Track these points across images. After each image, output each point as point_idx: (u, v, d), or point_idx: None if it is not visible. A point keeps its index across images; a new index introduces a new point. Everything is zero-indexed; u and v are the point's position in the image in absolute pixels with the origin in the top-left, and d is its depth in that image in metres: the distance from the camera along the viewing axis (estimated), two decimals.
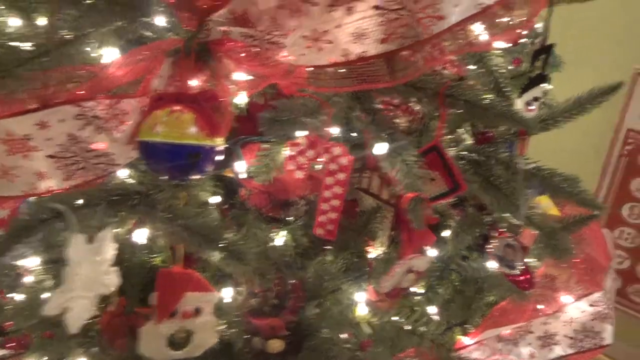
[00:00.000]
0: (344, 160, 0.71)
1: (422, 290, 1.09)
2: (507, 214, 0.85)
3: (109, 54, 0.73)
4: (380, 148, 0.69)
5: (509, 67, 1.07)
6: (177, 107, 0.66)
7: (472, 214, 1.11)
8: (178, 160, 0.66)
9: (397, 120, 1.04)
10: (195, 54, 0.69)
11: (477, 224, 1.07)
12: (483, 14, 0.62)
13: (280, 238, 0.97)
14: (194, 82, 0.71)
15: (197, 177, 0.75)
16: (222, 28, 0.66)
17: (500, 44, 0.85)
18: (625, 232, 1.93)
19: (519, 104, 0.98)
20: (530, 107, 1.02)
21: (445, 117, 0.75)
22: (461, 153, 0.90)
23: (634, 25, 1.73)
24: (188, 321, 0.82)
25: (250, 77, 0.71)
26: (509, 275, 0.87)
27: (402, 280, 0.72)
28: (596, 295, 1.04)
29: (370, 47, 0.60)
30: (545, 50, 0.96)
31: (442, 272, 1.14)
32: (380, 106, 1.01)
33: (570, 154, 2.05)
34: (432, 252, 1.16)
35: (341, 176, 0.72)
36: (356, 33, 0.59)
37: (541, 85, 1.02)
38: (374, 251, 1.16)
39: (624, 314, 2.04)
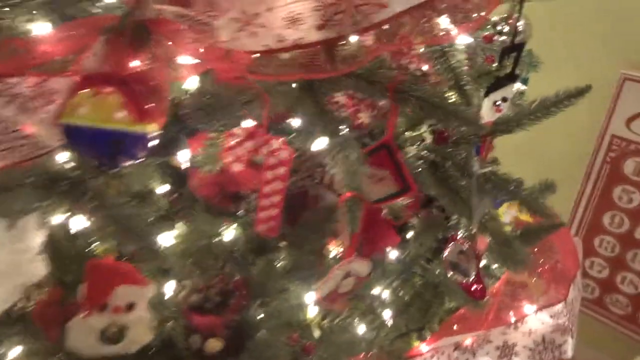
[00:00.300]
0: (284, 154, 0.67)
1: (378, 292, 1.05)
2: (463, 219, 0.81)
3: (40, 28, 0.68)
4: (319, 143, 0.65)
5: (481, 65, 1.02)
6: (105, 89, 0.62)
7: (435, 216, 1.07)
8: (101, 145, 0.62)
9: (361, 115, 1.00)
10: (132, 33, 0.64)
11: (438, 226, 1.03)
12: (431, 4, 0.57)
13: (229, 232, 0.93)
14: (131, 63, 0.67)
15: (128, 164, 0.70)
16: (157, 6, 0.62)
17: (463, 40, 0.81)
18: (605, 240, 1.90)
19: (485, 103, 0.94)
20: (498, 108, 0.98)
21: (398, 113, 0.71)
22: (421, 153, 0.86)
23: (622, 30, 1.68)
24: (120, 316, 0.78)
25: (195, 61, 0.67)
26: (461, 283, 0.83)
27: (339, 284, 0.69)
28: (558, 307, 1.01)
29: (307, 34, 0.56)
30: (515, 49, 0.92)
31: (404, 275, 1.10)
32: (339, 100, 0.98)
33: (555, 159, 2.01)
34: (393, 254, 1.13)
35: (281, 170, 0.68)
36: (290, 17, 0.54)
37: (511, 85, 0.98)
38: (335, 249, 1.12)
39: (602, 324, 2.01)
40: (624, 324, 1.93)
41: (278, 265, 0.93)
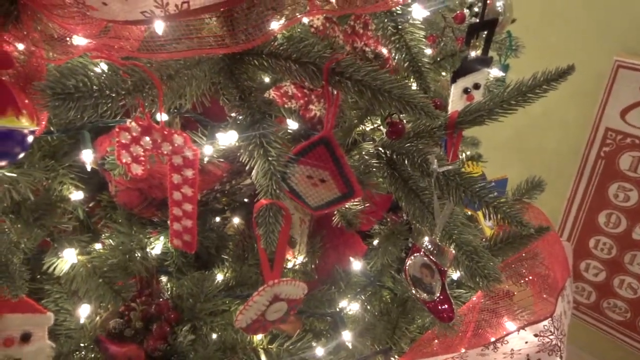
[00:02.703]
0: (189, 153, 0.54)
1: (336, 310, 0.92)
2: (425, 226, 0.69)
3: None
4: (228, 137, 0.52)
5: (451, 47, 0.89)
6: None
7: (400, 222, 0.94)
8: None
9: (312, 107, 0.87)
10: None
11: (402, 234, 0.90)
12: None
13: (157, 244, 0.80)
14: None
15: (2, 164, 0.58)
16: None
17: (419, 13, 0.68)
18: (601, 241, 1.77)
19: (453, 90, 0.82)
20: (470, 95, 0.85)
21: (338, 101, 0.58)
22: (376, 149, 0.73)
23: (615, 13, 1.55)
24: (13, 349, 0.65)
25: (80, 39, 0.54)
26: (426, 302, 0.71)
27: (266, 311, 0.56)
28: (543, 324, 0.88)
29: None
30: (485, 27, 0.79)
31: (370, 287, 0.97)
32: (287, 89, 0.85)
33: (546, 154, 1.88)
34: (357, 265, 1.00)
35: (189, 173, 0.55)
36: None
37: (485, 70, 0.85)
38: (291, 260, 1.00)
39: (599, 330, 1.88)
40: (622, 330, 1.80)
41: (215, 281, 0.80)
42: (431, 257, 0.68)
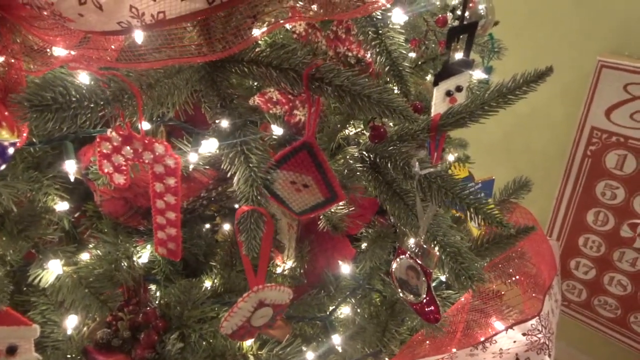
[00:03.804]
0: (170, 162, 0.54)
1: (326, 314, 0.92)
2: (409, 229, 0.69)
3: None
4: (210, 144, 0.52)
5: (433, 50, 0.90)
6: None
7: (386, 225, 0.95)
8: None
9: (297, 112, 0.88)
10: None
11: (389, 236, 0.91)
12: None
13: (144, 253, 0.80)
14: None
15: None
16: None
17: (398, 17, 0.69)
18: (590, 239, 1.78)
19: (435, 93, 0.82)
20: (452, 98, 0.86)
21: (319, 106, 0.59)
22: (360, 153, 0.74)
23: (598, 15, 1.57)
24: None
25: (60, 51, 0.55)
26: (413, 304, 0.71)
27: (251, 317, 0.56)
28: (532, 323, 0.88)
29: (169, 6, 0.43)
30: (465, 30, 0.80)
31: (360, 291, 0.98)
32: (271, 95, 0.85)
33: (533, 155, 1.90)
34: (346, 268, 1.00)
35: (171, 182, 0.55)
36: None
37: (467, 72, 0.86)
38: (281, 265, 1.00)
39: (589, 327, 1.89)
40: (613, 327, 1.82)
41: (203, 289, 0.80)
42: (416, 259, 0.69)
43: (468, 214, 0.60)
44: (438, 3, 0.93)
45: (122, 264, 0.74)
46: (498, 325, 0.90)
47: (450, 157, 1.32)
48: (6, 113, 0.55)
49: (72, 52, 0.53)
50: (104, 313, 0.70)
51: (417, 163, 0.63)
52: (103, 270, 0.71)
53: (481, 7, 1.09)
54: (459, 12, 1.05)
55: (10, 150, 0.55)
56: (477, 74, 1.03)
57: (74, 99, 0.46)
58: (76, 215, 0.80)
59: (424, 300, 0.70)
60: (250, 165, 0.52)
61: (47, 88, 0.45)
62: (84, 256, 0.74)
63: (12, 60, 0.55)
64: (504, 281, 1.00)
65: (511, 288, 0.97)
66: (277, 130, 0.83)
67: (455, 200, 0.60)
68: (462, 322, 0.94)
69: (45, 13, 0.48)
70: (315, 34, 0.81)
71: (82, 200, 0.79)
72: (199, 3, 0.43)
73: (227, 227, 0.98)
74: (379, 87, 0.55)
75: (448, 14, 1.01)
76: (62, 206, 0.76)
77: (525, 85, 0.70)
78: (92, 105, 0.49)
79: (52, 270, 0.69)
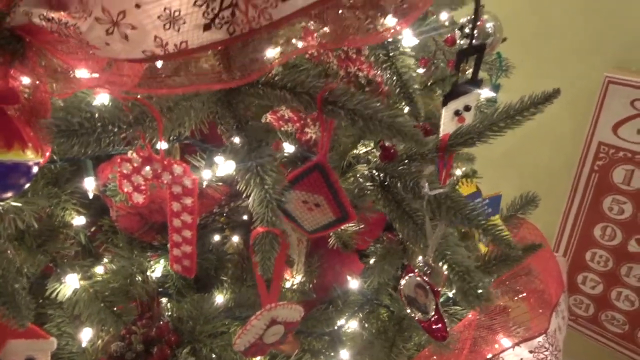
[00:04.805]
0: (188, 182, 0.56)
1: (337, 328, 0.94)
2: (418, 247, 0.70)
3: None
4: (226, 166, 0.54)
5: (442, 70, 0.92)
6: None
7: (395, 242, 0.96)
8: None
9: (308, 130, 0.89)
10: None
11: (397, 253, 0.92)
12: None
13: (157, 267, 0.82)
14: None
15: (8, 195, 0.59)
16: (23, 8, 0.51)
17: (409, 41, 0.70)
18: (597, 254, 1.78)
19: (444, 113, 0.84)
20: (461, 117, 0.88)
21: (332, 128, 0.60)
22: (370, 172, 0.75)
23: (605, 30, 1.59)
24: None
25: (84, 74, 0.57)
26: (421, 321, 0.72)
27: (263, 334, 0.58)
28: (537, 341, 0.89)
29: (191, 36, 0.45)
30: (474, 51, 0.82)
31: (368, 306, 0.99)
32: (283, 114, 0.87)
33: (540, 170, 1.90)
34: (354, 283, 1.01)
35: (188, 201, 0.57)
36: (166, 16, 0.44)
37: (475, 92, 0.88)
38: (290, 279, 1.01)
39: (597, 342, 1.88)
40: (621, 342, 1.81)
41: (215, 303, 0.81)
42: (424, 277, 0.70)
43: (477, 234, 0.61)
44: (447, 23, 0.95)
45: (137, 279, 0.76)
46: (505, 342, 0.91)
47: (458, 172, 1.33)
48: (31, 134, 0.57)
49: (96, 75, 0.55)
50: (118, 327, 0.71)
51: (426, 184, 0.64)
52: (118, 285, 0.73)
53: (489, 25, 1.11)
54: (467, 30, 1.07)
55: (35, 169, 0.57)
56: (485, 92, 1.05)
57: (99, 123, 0.48)
58: (92, 229, 0.81)
59: (432, 318, 0.71)
60: (266, 186, 0.54)
61: (74, 113, 0.47)
62: (99, 270, 0.76)
63: (37, 83, 0.57)
64: (511, 297, 1.01)
65: (518, 305, 0.98)
66: (288, 148, 0.85)
67: (464, 220, 0.61)
68: (469, 339, 0.95)
69: (70, 40, 0.51)
70: (327, 54, 0.83)
71: (98, 215, 0.81)
72: (220, 34, 0.45)
73: (235, 239, 0.99)
74: (391, 110, 0.56)
75: (456, 32, 1.03)
76: (79, 221, 0.78)
77: (533, 107, 0.71)
78: (115, 129, 0.51)
79: (70, 284, 0.71)
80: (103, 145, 0.49)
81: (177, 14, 0.44)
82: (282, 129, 0.88)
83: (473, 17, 0.79)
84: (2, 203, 0.61)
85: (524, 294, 0.98)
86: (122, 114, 0.51)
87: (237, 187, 0.59)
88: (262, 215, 0.52)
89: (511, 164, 1.92)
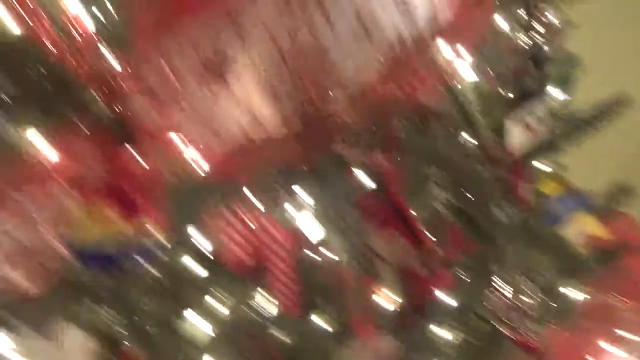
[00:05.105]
0: (283, 252, 0.63)
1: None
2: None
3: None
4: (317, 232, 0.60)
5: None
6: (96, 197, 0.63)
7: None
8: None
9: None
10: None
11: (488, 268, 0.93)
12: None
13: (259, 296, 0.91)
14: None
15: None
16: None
17: (469, 76, 0.72)
18: None
19: (512, 127, 0.83)
20: (533, 129, 0.87)
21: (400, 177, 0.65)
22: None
23: None
24: None
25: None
26: (515, 338, 0.74)
27: None
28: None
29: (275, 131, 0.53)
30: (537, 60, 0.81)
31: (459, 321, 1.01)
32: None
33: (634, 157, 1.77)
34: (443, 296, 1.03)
35: (282, 253, 0.65)
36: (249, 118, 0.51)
37: (540, 98, 0.86)
38: (383, 300, 1.05)
39: None
40: None
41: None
42: (515, 296, 0.72)
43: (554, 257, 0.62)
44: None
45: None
46: (609, 348, 0.89)
47: (544, 168, 1.28)
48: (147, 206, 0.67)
49: None
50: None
51: (499, 209, 0.66)
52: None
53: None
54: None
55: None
56: (555, 94, 1.01)
57: None
58: None
59: (525, 335, 0.73)
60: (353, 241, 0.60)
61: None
62: None
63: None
64: (610, 297, 0.97)
65: (621, 306, 0.94)
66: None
67: (541, 248, 0.63)
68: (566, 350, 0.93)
69: None
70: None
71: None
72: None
73: None
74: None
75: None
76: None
77: (600, 116, 0.70)
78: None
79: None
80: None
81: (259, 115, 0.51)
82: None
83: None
84: None
85: (625, 294, 0.94)
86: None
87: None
88: (355, 266, 0.58)
89: (599, 152, 1.80)
